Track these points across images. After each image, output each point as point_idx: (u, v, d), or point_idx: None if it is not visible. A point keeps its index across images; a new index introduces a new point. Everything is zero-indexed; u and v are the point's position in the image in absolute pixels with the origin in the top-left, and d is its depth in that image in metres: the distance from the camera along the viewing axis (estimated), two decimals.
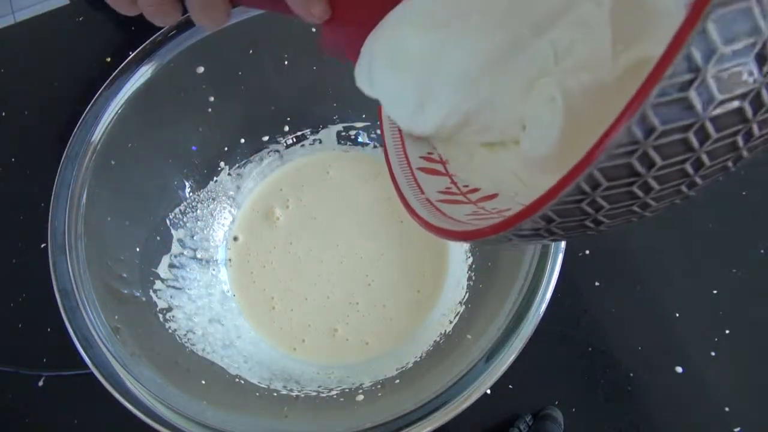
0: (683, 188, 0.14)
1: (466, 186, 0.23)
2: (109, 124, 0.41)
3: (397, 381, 0.43)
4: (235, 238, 0.56)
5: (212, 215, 0.54)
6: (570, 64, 0.20)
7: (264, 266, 0.55)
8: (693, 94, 0.11)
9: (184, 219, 0.51)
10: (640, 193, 0.14)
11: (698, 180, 0.14)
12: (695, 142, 0.12)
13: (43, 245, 0.38)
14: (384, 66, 0.24)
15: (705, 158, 0.13)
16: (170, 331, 0.44)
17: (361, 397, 0.42)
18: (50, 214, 0.39)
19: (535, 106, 0.21)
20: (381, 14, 0.24)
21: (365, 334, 0.51)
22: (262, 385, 0.44)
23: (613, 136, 0.12)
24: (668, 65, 0.11)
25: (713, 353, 0.60)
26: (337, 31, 0.25)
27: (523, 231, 0.16)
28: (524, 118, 0.21)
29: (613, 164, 0.13)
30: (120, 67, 0.42)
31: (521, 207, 0.19)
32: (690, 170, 0.13)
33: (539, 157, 0.20)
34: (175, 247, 0.50)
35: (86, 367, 0.35)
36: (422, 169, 0.25)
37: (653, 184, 0.13)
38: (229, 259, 0.55)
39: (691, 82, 0.11)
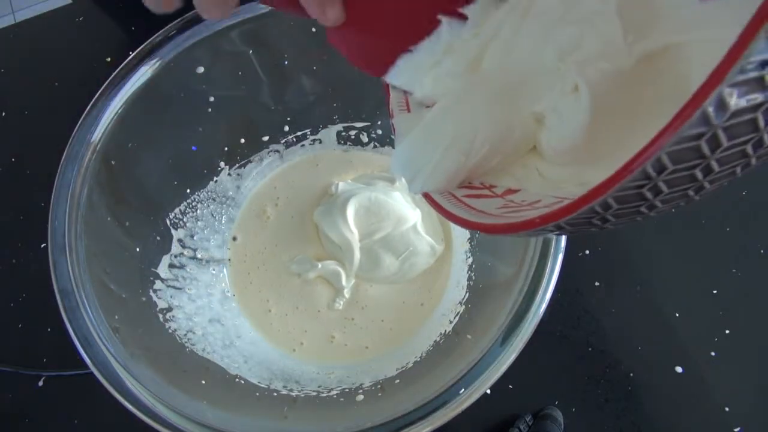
0: (738, 170, 0.14)
1: (483, 182, 0.23)
2: (109, 124, 0.41)
3: (397, 381, 0.43)
4: (234, 238, 0.56)
5: (212, 215, 0.54)
6: (580, 57, 0.20)
7: (258, 267, 0.55)
8: None
9: (184, 219, 0.51)
10: (700, 176, 0.14)
11: (753, 161, 0.14)
12: (762, 122, 0.12)
13: (43, 245, 0.38)
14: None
15: (766, 138, 0.13)
16: (170, 331, 0.44)
17: (361, 397, 0.42)
18: (50, 214, 0.39)
19: (553, 98, 0.21)
20: (393, 28, 0.24)
21: (364, 341, 0.51)
22: (262, 385, 0.44)
23: (686, 119, 0.12)
24: (746, 47, 0.11)
25: (713, 353, 0.60)
26: (344, 34, 0.25)
27: (577, 220, 0.16)
28: (541, 113, 0.21)
29: (681, 148, 0.13)
30: (120, 67, 0.42)
31: (554, 199, 0.19)
32: (750, 151, 0.13)
33: (566, 147, 0.20)
34: (175, 247, 0.50)
35: (86, 367, 0.35)
36: None
37: (714, 166, 0.13)
38: (229, 259, 0.55)
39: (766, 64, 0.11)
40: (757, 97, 0.12)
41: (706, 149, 0.13)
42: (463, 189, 0.23)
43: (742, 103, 0.12)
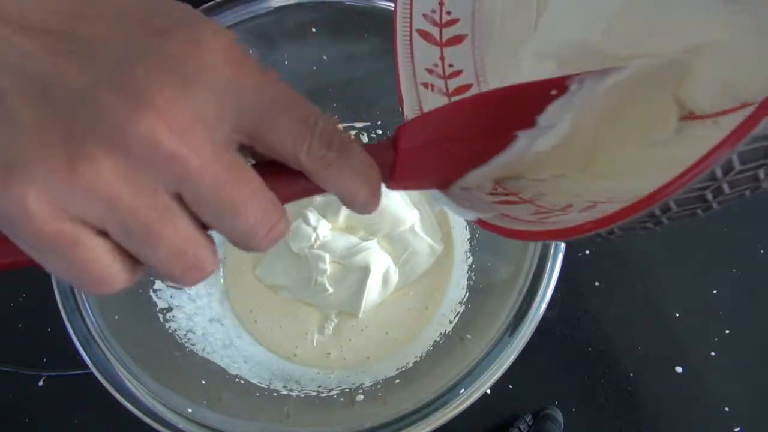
0: None
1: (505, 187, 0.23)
2: None
3: (397, 381, 0.43)
4: None
5: None
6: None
7: (245, 268, 0.53)
8: None
9: None
10: (762, 176, 0.14)
11: None
12: None
13: None
14: None
15: None
16: (170, 331, 0.44)
17: (361, 397, 0.42)
18: None
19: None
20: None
21: (365, 353, 0.49)
22: (262, 385, 0.44)
23: (764, 118, 0.12)
24: None
25: (713, 353, 0.60)
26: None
27: (632, 224, 0.15)
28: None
29: (752, 147, 0.12)
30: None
31: (586, 203, 0.19)
32: None
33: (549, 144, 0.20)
34: None
35: (86, 367, 0.35)
36: None
37: None
38: (224, 258, 0.54)
39: None
40: None
41: None
42: (491, 196, 0.23)
43: None
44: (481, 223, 0.21)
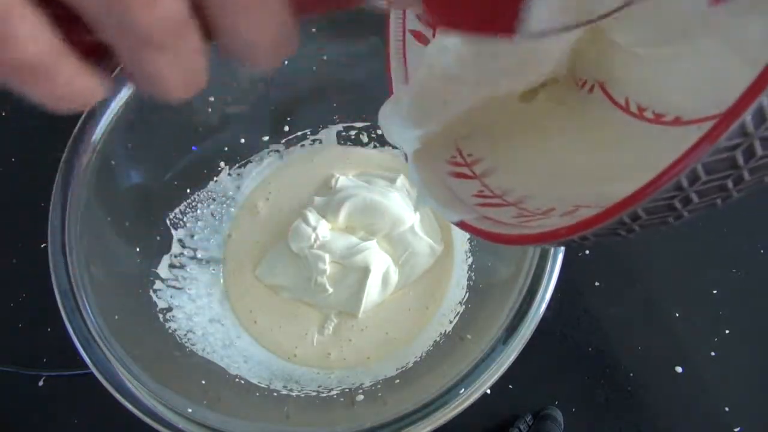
0: (766, 179, 0.14)
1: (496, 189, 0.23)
2: (109, 124, 0.41)
3: (397, 381, 0.43)
4: (229, 236, 0.55)
5: (212, 215, 0.54)
6: None
7: (246, 269, 0.53)
8: None
9: (184, 219, 0.51)
10: (730, 186, 0.14)
11: None
12: None
13: (43, 245, 0.38)
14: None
15: None
16: (170, 331, 0.44)
17: (361, 397, 0.42)
18: (50, 214, 0.39)
19: None
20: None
21: (365, 353, 0.49)
22: (262, 385, 0.44)
23: (725, 131, 0.12)
24: None
25: (713, 353, 0.60)
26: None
27: (603, 230, 0.16)
28: None
29: (716, 159, 0.13)
30: (120, 66, 0.42)
31: (569, 206, 0.19)
32: None
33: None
34: (175, 247, 0.50)
35: (86, 367, 0.35)
36: (452, 174, 0.24)
37: (746, 176, 0.13)
38: (224, 258, 0.54)
39: None
40: None
41: (740, 160, 0.13)
42: (476, 198, 0.23)
43: None
44: (463, 225, 0.21)
